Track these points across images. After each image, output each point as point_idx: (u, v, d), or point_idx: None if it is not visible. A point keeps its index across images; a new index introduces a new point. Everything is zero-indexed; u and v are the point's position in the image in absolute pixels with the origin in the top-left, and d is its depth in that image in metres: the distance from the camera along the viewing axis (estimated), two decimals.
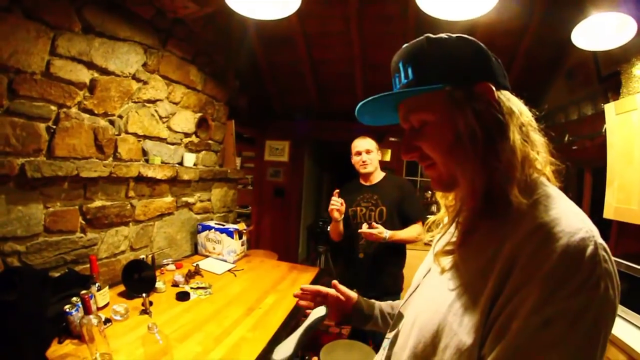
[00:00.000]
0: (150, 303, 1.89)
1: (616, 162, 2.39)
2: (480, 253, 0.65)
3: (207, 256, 2.98)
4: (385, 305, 1.14)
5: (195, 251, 3.11)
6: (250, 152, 6.00)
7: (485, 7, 1.74)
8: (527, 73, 3.65)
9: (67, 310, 1.51)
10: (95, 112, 2.07)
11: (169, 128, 2.75)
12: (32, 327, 1.39)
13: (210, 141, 3.32)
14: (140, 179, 2.38)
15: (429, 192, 4.74)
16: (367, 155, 2.51)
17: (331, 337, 3.61)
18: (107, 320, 1.66)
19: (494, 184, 0.64)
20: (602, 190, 2.51)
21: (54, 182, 1.87)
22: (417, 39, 0.72)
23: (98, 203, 2.14)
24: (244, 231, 3.05)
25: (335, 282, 1.16)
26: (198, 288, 2.24)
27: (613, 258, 0.56)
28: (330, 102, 4.88)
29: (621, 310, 2.05)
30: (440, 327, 0.65)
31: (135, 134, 2.40)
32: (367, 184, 2.58)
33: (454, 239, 0.74)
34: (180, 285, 2.25)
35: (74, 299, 1.56)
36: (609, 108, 2.48)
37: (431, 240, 0.95)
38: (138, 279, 2.03)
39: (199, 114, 3.09)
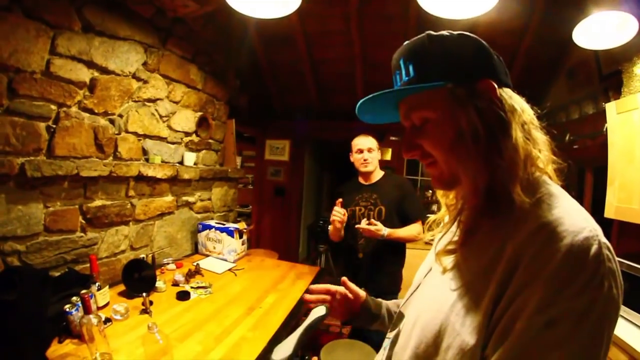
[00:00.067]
0: (151, 302, 1.89)
1: (617, 162, 2.38)
2: (482, 252, 0.65)
3: (207, 255, 2.98)
4: (392, 304, 1.13)
5: (195, 250, 3.11)
6: (251, 151, 6.00)
7: (486, 6, 1.74)
8: (528, 72, 3.64)
9: (67, 309, 1.51)
10: (96, 111, 2.07)
11: (169, 127, 2.75)
12: (32, 326, 1.39)
13: (210, 140, 3.32)
14: (140, 178, 2.38)
15: (430, 191, 4.74)
16: (369, 153, 2.49)
17: (331, 336, 3.61)
18: (107, 320, 1.66)
19: (496, 182, 0.64)
20: (603, 189, 2.50)
21: (54, 182, 1.87)
22: (418, 36, 0.71)
23: (98, 202, 2.14)
24: (245, 230, 3.05)
25: (344, 278, 1.12)
26: (198, 287, 2.23)
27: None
28: (330, 102, 4.88)
29: (622, 310, 2.04)
30: (443, 327, 0.65)
31: (135, 133, 2.40)
32: (366, 183, 2.56)
33: (455, 238, 0.74)
34: (180, 285, 2.24)
35: (74, 298, 1.56)
36: (610, 107, 2.47)
37: (432, 240, 0.94)
38: (138, 279, 2.03)
39: (200, 113, 3.09)
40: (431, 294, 0.77)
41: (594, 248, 0.52)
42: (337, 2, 3.50)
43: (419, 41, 0.71)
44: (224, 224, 2.99)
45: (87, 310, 1.46)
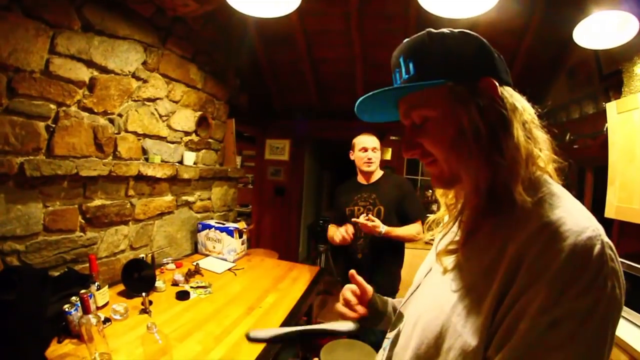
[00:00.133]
0: (150, 302, 1.88)
1: (618, 161, 2.38)
2: (484, 252, 0.64)
3: (207, 255, 2.98)
4: (396, 302, 1.10)
5: (195, 250, 3.11)
6: (251, 150, 5.99)
7: (486, 5, 1.74)
8: (528, 72, 3.64)
9: (67, 309, 1.51)
10: (95, 110, 2.06)
11: (169, 127, 2.74)
12: (32, 326, 1.38)
13: (210, 140, 3.31)
14: (140, 177, 2.38)
15: (430, 190, 4.73)
16: (373, 153, 2.47)
17: (332, 336, 3.60)
18: (107, 320, 1.66)
19: (497, 182, 0.63)
20: (604, 189, 2.50)
21: (54, 181, 1.86)
22: (419, 34, 0.71)
23: (98, 202, 2.13)
24: (244, 230, 3.05)
25: (352, 272, 1.07)
26: (198, 287, 2.23)
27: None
28: (330, 101, 4.87)
29: (623, 310, 2.04)
30: (444, 328, 0.64)
31: (135, 133, 2.39)
32: (366, 182, 2.55)
33: (457, 238, 0.73)
34: (180, 285, 2.24)
35: (74, 298, 1.56)
36: (611, 107, 2.47)
37: (432, 240, 0.94)
38: (138, 278, 2.03)
39: (199, 113, 3.08)
40: (432, 294, 0.76)
41: (597, 248, 0.52)
42: (337, 1, 3.50)
43: (419, 39, 0.70)
44: (223, 224, 2.99)
45: (86, 310, 1.45)
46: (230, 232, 2.89)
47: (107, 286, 1.88)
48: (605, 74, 2.81)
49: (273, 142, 5.47)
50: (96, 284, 1.77)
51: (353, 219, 2.33)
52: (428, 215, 1.24)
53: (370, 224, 2.23)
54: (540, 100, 0.69)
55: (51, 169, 1.76)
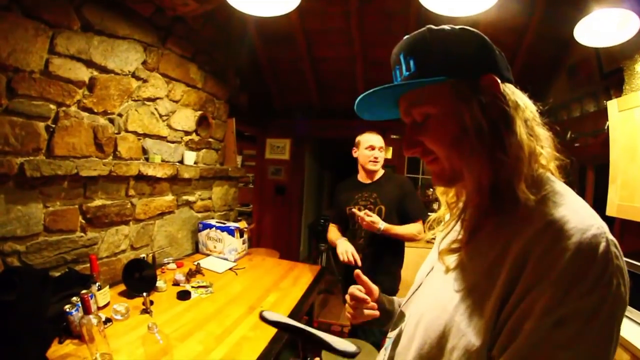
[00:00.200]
0: (151, 302, 1.88)
1: (619, 159, 2.37)
2: (486, 251, 0.64)
3: (208, 255, 2.98)
4: (401, 300, 1.07)
5: (196, 250, 3.11)
6: (251, 150, 5.99)
7: (487, 3, 1.73)
8: (529, 70, 3.63)
9: (67, 310, 1.51)
10: (95, 110, 2.06)
11: (169, 126, 2.74)
12: (32, 327, 1.38)
13: (210, 139, 3.31)
14: (140, 177, 2.38)
15: (431, 189, 4.73)
16: (379, 152, 2.46)
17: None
18: (108, 320, 1.66)
19: (500, 180, 0.63)
20: (605, 187, 2.50)
21: (54, 181, 1.86)
22: (419, 30, 0.70)
23: (98, 202, 2.13)
24: (245, 229, 3.05)
25: (358, 272, 1.05)
26: (199, 287, 2.23)
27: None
28: (331, 100, 4.87)
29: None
30: (447, 327, 0.64)
31: (135, 133, 2.39)
32: (366, 181, 2.53)
33: (459, 237, 0.73)
34: (181, 284, 2.24)
35: (74, 298, 1.55)
36: (612, 105, 2.46)
37: (433, 239, 0.94)
38: (139, 278, 2.03)
39: (199, 112, 3.08)
40: (434, 293, 0.76)
41: (602, 246, 0.52)
42: (337, 0, 3.49)
43: (420, 35, 0.70)
44: (224, 223, 2.99)
45: (87, 311, 1.45)
46: (231, 232, 2.89)
47: (108, 286, 1.88)
48: (606, 72, 2.81)
49: (273, 142, 5.46)
50: (97, 284, 1.77)
51: (352, 210, 2.33)
52: (429, 214, 1.23)
53: (367, 219, 2.22)
54: (541, 99, 0.69)
55: (51, 169, 1.76)
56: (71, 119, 1.92)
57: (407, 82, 0.69)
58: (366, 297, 1.01)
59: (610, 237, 0.54)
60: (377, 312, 1.02)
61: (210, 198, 3.35)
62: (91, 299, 1.52)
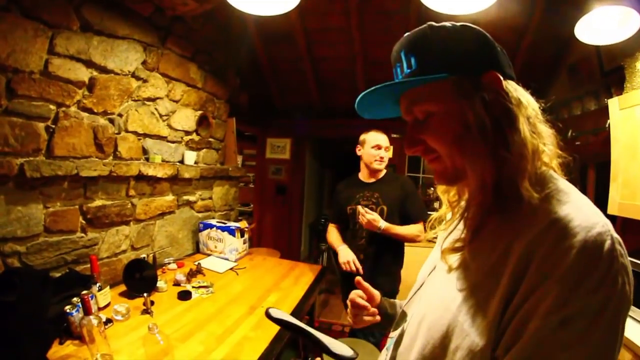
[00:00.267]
0: (152, 302, 1.88)
1: (620, 158, 2.36)
2: (490, 250, 0.63)
3: (208, 255, 2.97)
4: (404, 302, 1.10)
5: (196, 250, 3.11)
6: (252, 149, 5.98)
7: (487, 1, 1.73)
8: (530, 69, 3.62)
9: (68, 310, 1.50)
10: (95, 110, 2.06)
11: (170, 126, 2.74)
12: (33, 328, 1.38)
13: (211, 139, 3.31)
14: (140, 177, 2.38)
15: (432, 188, 4.72)
16: (385, 152, 2.44)
17: (333, 335, 3.60)
18: (108, 321, 1.66)
19: (503, 178, 0.62)
20: (606, 186, 2.49)
21: (54, 182, 1.86)
22: (419, 28, 0.69)
23: (98, 202, 2.13)
24: (246, 229, 3.04)
25: (358, 279, 1.06)
26: (200, 287, 2.23)
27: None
28: (331, 100, 4.85)
29: None
30: (450, 327, 0.63)
31: (135, 133, 2.39)
32: (368, 181, 2.51)
33: (462, 236, 0.72)
34: (181, 285, 2.24)
35: (75, 299, 1.55)
36: (613, 103, 2.45)
37: (434, 238, 0.93)
38: (139, 279, 2.02)
39: (200, 112, 3.08)
40: (437, 293, 0.75)
41: (607, 244, 0.51)
42: None
43: (421, 32, 0.69)
44: (225, 223, 2.99)
45: (87, 311, 1.45)
46: (231, 232, 2.88)
47: (108, 287, 1.87)
48: (607, 70, 2.80)
49: (274, 141, 5.45)
50: (97, 284, 1.77)
51: (357, 205, 2.32)
52: (430, 213, 1.22)
53: (368, 216, 2.21)
54: (542, 98, 0.68)
55: (51, 169, 1.76)
56: (71, 120, 1.91)
57: (409, 79, 0.68)
58: (366, 304, 1.02)
59: (615, 235, 0.53)
60: (377, 318, 1.03)
61: (210, 198, 3.35)
62: (91, 299, 1.52)
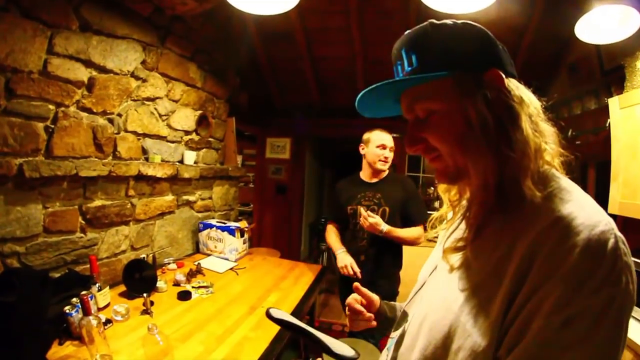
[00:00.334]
0: (152, 303, 1.87)
1: (621, 157, 2.36)
2: (492, 250, 0.63)
3: (208, 255, 2.97)
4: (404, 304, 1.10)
5: (196, 250, 3.10)
6: (252, 149, 5.98)
7: (486, 0, 1.72)
8: (530, 68, 3.61)
9: (67, 311, 1.50)
10: (94, 110, 2.05)
11: (169, 126, 2.73)
12: (32, 328, 1.38)
13: (210, 139, 3.30)
14: (140, 177, 2.37)
15: (432, 187, 4.72)
16: (390, 152, 2.42)
17: (334, 334, 3.60)
18: (108, 321, 1.65)
19: (505, 176, 0.62)
20: (606, 185, 2.49)
21: (53, 182, 1.85)
22: (420, 25, 0.69)
23: (98, 202, 2.12)
24: (246, 229, 3.04)
25: (357, 284, 1.07)
26: (200, 287, 2.22)
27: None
28: (331, 99, 4.85)
29: None
30: (452, 328, 0.63)
31: (134, 132, 2.38)
32: (370, 180, 2.48)
33: (464, 235, 0.71)
34: (181, 285, 2.23)
35: (74, 299, 1.55)
36: (613, 102, 2.45)
37: (435, 237, 0.93)
38: (139, 279, 2.02)
39: (199, 112, 3.07)
40: (438, 293, 0.75)
41: (611, 242, 0.51)
42: None
43: (421, 30, 0.68)
44: (225, 223, 2.98)
45: (86, 312, 1.45)
46: (231, 231, 2.88)
47: (108, 287, 1.87)
48: (607, 69, 2.79)
49: (274, 141, 5.45)
50: (97, 285, 1.76)
51: (358, 206, 2.31)
52: (430, 213, 1.22)
53: (371, 220, 2.19)
54: (542, 97, 0.68)
55: (50, 169, 1.75)
56: (70, 119, 1.91)
57: (411, 77, 0.67)
58: (362, 309, 1.03)
59: (619, 233, 0.53)
60: (373, 324, 1.04)
61: (210, 198, 3.34)
62: (91, 300, 1.52)
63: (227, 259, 2.87)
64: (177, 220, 2.88)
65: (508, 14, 3.04)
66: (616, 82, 2.66)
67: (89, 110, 2.03)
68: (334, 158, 7.46)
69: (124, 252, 2.37)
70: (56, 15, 1.79)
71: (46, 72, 1.77)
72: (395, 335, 0.87)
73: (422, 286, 0.86)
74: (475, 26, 0.67)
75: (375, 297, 1.08)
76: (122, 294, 2.01)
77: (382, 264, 2.38)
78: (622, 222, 2.54)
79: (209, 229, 2.99)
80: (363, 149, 2.49)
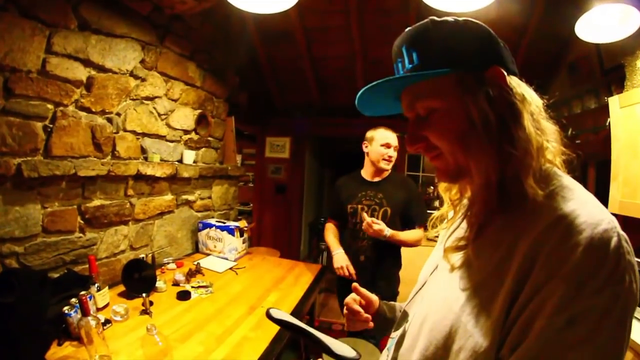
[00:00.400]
0: (151, 303, 1.87)
1: (621, 156, 2.36)
2: (493, 249, 0.62)
3: (208, 254, 2.96)
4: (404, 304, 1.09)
5: (196, 249, 3.10)
6: (251, 149, 5.97)
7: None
8: (530, 67, 3.61)
9: (66, 311, 1.50)
10: (93, 110, 2.05)
11: (168, 125, 2.73)
12: (31, 329, 1.37)
13: (210, 138, 3.30)
14: (139, 177, 2.36)
15: (431, 187, 4.71)
16: (394, 152, 2.38)
17: (334, 334, 3.59)
18: (107, 321, 1.64)
19: (507, 175, 0.61)
20: (606, 184, 2.48)
21: (52, 182, 1.85)
22: (421, 22, 0.68)
23: (97, 202, 2.12)
24: (245, 229, 3.03)
25: (355, 285, 1.07)
26: (199, 287, 2.22)
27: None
28: (331, 98, 4.84)
29: None
30: (454, 328, 0.62)
31: (133, 132, 2.37)
32: (372, 179, 2.45)
33: (466, 234, 0.71)
34: (181, 285, 2.23)
35: (73, 300, 1.54)
36: (613, 101, 2.45)
37: (436, 237, 0.92)
38: (138, 279, 2.02)
39: (199, 111, 3.06)
40: (439, 293, 0.74)
41: (614, 240, 0.50)
42: None
43: (422, 27, 0.68)
44: (224, 223, 2.98)
45: (85, 312, 1.44)
46: (231, 231, 2.88)
47: (107, 287, 1.86)
48: (607, 68, 2.79)
49: (273, 140, 5.44)
50: (96, 285, 1.76)
51: (362, 213, 2.29)
52: (430, 212, 1.21)
53: (376, 227, 2.16)
54: (541, 96, 0.67)
55: (49, 169, 1.75)
56: (69, 119, 1.90)
57: (412, 74, 0.67)
58: (359, 309, 1.03)
59: (621, 232, 0.52)
60: (370, 325, 1.04)
61: (210, 197, 3.34)
62: (90, 300, 1.51)
63: (226, 259, 2.86)
64: (176, 220, 2.87)
65: (508, 13, 3.03)
66: (616, 81, 2.66)
67: (87, 110, 2.02)
68: (334, 157, 7.45)
69: (123, 252, 2.36)
70: (55, 14, 1.79)
71: (45, 72, 1.77)
72: (395, 335, 0.86)
73: (422, 286, 0.86)
74: (477, 23, 0.67)
75: (374, 298, 1.08)
76: (121, 294, 2.00)
77: (382, 264, 2.37)
78: (622, 221, 2.54)
79: (208, 229, 2.98)
80: (366, 147, 2.45)
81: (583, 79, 3.18)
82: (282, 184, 5.46)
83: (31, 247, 1.77)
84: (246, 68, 4.13)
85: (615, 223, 0.53)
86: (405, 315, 0.87)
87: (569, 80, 3.40)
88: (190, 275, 2.36)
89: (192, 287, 2.21)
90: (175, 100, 2.76)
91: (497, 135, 0.61)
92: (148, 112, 2.49)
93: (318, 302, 4.12)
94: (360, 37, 3.83)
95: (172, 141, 2.79)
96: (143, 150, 2.50)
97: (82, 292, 1.50)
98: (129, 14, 2.21)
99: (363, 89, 0.70)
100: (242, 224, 3.01)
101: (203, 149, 3.22)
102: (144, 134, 2.49)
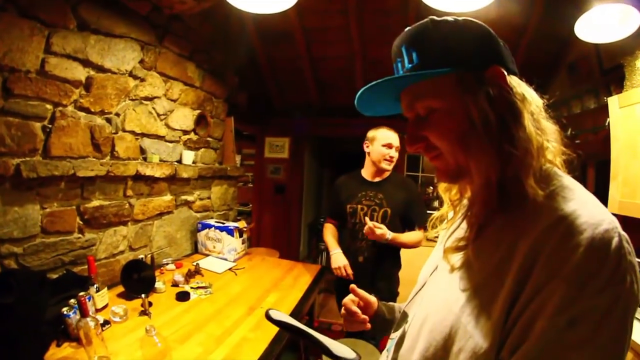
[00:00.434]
0: (150, 304, 1.87)
1: (620, 156, 2.36)
2: (494, 249, 0.62)
3: (207, 255, 2.96)
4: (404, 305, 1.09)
5: (195, 250, 3.09)
6: (250, 149, 5.96)
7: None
8: (529, 67, 3.61)
9: (65, 312, 1.49)
10: (92, 110, 2.04)
11: (167, 125, 2.72)
12: (30, 330, 1.37)
13: (209, 138, 3.29)
14: (138, 177, 2.36)
15: (431, 187, 4.71)
16: (396, 152, 2.36)
17: (334, 335, 3.59)
18: (106, 322, 1.64)
19: (507, 175, 0.61)
20: (606, 184, 2.48)
21: (51, 182, 1.84)
22: (421, 22, 0.68)
23: (96, 203, 2.11)
24: (245, 229, 3.03)
25: (353, 286, 1.07)
26: (198, 288, 2.21)
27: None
28: (330, 99, 4.84)
29: None
30: (453, 329, 0.62)
31: (132, 132, 2.37)
32: (372, 179, 2.43)
33: (466, 235, 0.70)
34: (180, 285, 2.22)
35: (72, 301, 1.54)
36: (613, 101, 2.45)
37: (436, 237, 0.92)
38: (137, 279, 2.01)
39: (198, 111, 3.06)
40: (439, 294, 0.74)
41: (615, 241, 0.50)
42: None
43: (422, 26, 0.68)
44: (223, 223, 2.97)
45: (84, 313, 1.43)
46: (230, 232, 2.87)
47: (106, 288, 1.86)
48: (607, 68, 2.79)
49: (273, 140, 5.43)
50: (95, 285, 1.75)
51: (365, 219, 2.27)
52: (430, 212, 1.21)
53: (378, 232, 2.15)
54: (541, 96, 0.67)
55: (48, 169, 1.74)
56: (68, 119, 1.90)
57: (412, 73, 0.66)
58: (357, 310, 1.03)
59: (622, 232, 0.52)
60: (367, 326, 1.04)
61: (209, 198, 3.33)
62: (88, 301, 1.51)
63: (225, 259, 2.86)
64: (175, 221, 2.87)
65: (508, 12, 3.03)
66: (615, 81, 2.66)
67: (86, 110, 2.02)
68: (333, 158, 7.45)
69: (122, 252, 2.35)
70: (54, 14, 1.79)
71: (44, 72, 1.77)
72: (395, 336, 0.86)
73: (422, 286, 0.85)
74: (477, 23, 0.67)
75: (373, 299, 1.08)
76: (120, 295, 2.00)
77: (382, 264, 2.36)
78: (622, 221, 2.53)
79: (207, 229, 2.98)
80: (367, 146, 2.43)
81: (582, 79, 3.19)
82: (281, 184, 5.45)
83: (30, 247, 1.77)
84: (245, 68, 4.13)
85: (616, 223, 0.53)
86: (404, 316, 0.87)
87: (569, 80, 3.41)
88: (190, 276, 2.36)
89: (192, 287, 2.21)
90: (174, 101, 2.76)
91: (497, 135, 0.61)
92: (147, 113, 2.49)
93: (317, 302, 4.12)
94: (360, 37, 3.83)
95: (171, 141, 2.78)
96: (142, 151, 2.49)
97: (81, 293, 1.50)
98: (128, 14, 2.21)
99: (362, 89, 0.70)
100: (242, 224, 3.01)
101: (202, 150, 3.21)
102: (143, 135, 2.48)
